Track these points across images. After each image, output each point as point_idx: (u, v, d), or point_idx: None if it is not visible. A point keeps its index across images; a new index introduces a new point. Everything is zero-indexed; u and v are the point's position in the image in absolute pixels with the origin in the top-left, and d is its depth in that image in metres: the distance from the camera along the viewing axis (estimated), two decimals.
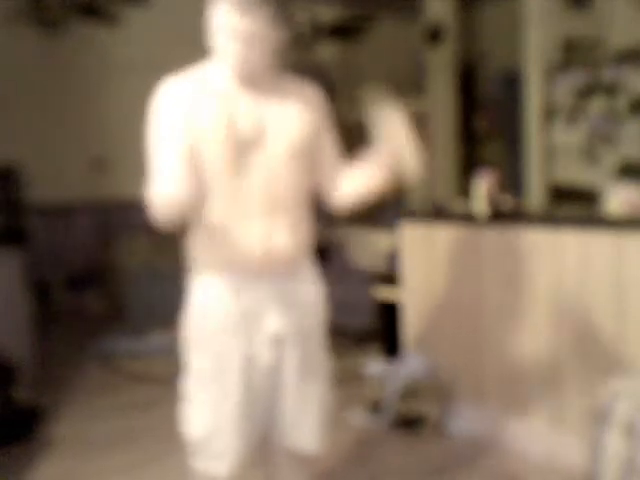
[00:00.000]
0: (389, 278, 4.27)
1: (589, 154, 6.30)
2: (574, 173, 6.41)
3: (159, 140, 1.79)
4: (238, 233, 1.86)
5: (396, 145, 1.94)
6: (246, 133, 1.84)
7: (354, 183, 2.04)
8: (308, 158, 1.97)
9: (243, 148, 1.84)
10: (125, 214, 6.42)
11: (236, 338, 1.88)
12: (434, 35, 7.67)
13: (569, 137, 6.42)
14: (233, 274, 1.89)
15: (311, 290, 2.02)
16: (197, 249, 1.94)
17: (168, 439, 3.32)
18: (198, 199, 1.80)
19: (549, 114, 6.51)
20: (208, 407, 1.89)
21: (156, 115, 1.83)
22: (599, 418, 2.38)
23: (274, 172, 1.89)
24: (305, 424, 1.98)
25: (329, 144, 2.05)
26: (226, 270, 1.89)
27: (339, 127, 2.11)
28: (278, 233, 1.90)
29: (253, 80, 1.88)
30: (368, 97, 1.97)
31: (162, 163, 1.74)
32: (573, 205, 6.23)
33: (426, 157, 1.98)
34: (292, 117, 1.93)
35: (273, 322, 1.92)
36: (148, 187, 1.76)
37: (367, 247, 5.46)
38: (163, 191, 1.71)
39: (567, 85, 6.41)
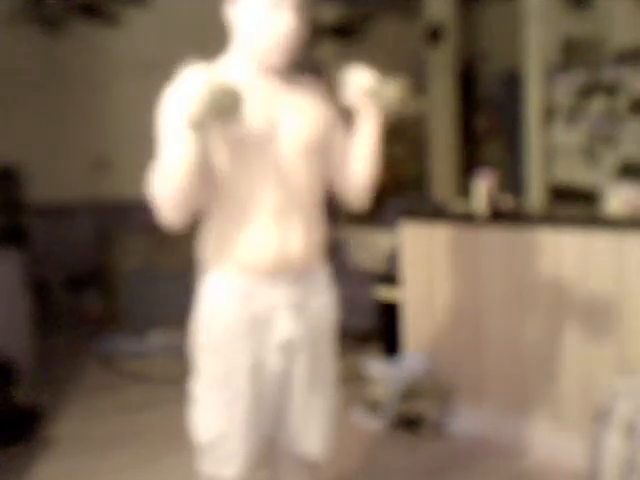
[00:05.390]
0: (389, 278, 4.26)
1: (589, 154, 6.30)
2: (574, 173, 6.41)
3: (168, 134, 1.74)
4: (252, 234, 1.82)
5: (367, 87, 1.92)
6: (260, 129, 1.80)
7: (358, 155, 2.00)
8: (322, 155, 1.94)
9: (256, 144, 1.80)
10: (125, 214, 6.42)
11: (246, 342, 1.84)
12: (434, 35, 7.67)
13: (569, 137, 6.42)
14: (245, 276, 1.84)
15: (324, 295, 1.98)
16: (208, 250, 1.89)
17: (168, 439, 3.33)
18: (205, 195, 1.78)
19: (549, 114, 6.51)
20: (216, 410, 1.87)
21: (167, 108, 1.76)
22: (599, 418, 2.39)
23: (289, 169, 1.85)
24: (312, 430, 1.96)
25: (341, 140, 2.02)
26: (238, 272, 1.84)
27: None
28: (293, 234, 1.86)
29: (272, 74, 1.86)
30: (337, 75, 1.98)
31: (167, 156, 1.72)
32: (573, 205, 6.22)
33: (407, 89, 1.95)
34: (306, 113, 1.90)
35: (284, 328, 1.88)
36: (152, 181, 1.74)
37: (367, 247, 5.46)
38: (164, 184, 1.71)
39: (567, 85, 6.41)
